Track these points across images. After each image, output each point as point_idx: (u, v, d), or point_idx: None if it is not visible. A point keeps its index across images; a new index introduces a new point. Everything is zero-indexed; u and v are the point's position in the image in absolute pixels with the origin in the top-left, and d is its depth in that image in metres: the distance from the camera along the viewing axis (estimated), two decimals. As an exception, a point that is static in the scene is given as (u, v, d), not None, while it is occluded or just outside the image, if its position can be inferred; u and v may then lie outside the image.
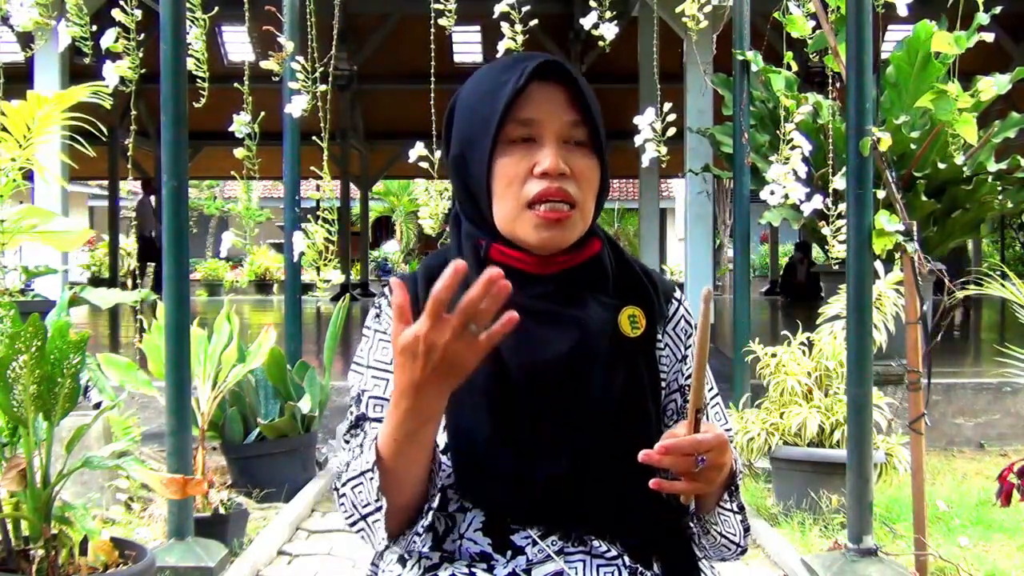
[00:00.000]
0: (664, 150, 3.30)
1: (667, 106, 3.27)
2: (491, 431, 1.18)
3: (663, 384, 1.28)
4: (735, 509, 1.25)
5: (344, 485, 1.15)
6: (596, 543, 1.21)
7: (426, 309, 0.96)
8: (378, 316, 1.28)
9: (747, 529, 1.28)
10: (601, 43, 3.20)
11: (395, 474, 1.11)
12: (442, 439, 1.19)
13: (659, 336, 1.28)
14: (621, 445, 1.18)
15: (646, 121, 3.26)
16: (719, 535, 1.26)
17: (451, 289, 0.95)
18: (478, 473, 1.19)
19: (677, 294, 1.32)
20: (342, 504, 1.17)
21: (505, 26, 2.93)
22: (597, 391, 1.19)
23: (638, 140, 3.30)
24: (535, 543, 1.20)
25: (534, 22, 2.92)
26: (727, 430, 1.33)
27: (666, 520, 1.24)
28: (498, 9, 2.92)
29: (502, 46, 2.94)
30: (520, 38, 2.92)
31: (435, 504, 1.15)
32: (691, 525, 1.27)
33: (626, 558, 1.21)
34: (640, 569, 1.21)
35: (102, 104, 2.79)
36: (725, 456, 1.11)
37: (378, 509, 1.12)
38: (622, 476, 1.19)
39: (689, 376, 1.30)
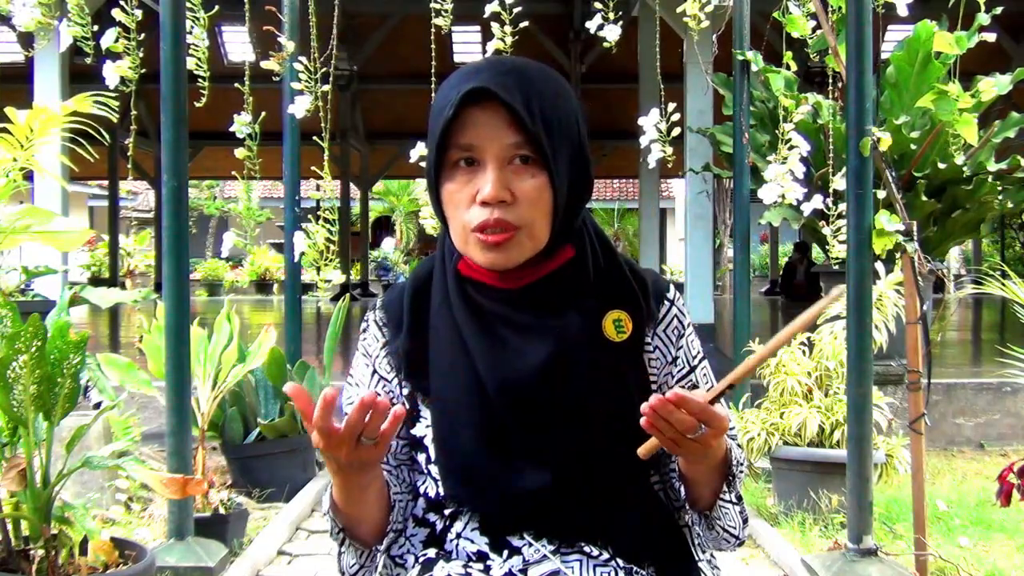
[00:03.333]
0: (669, 150, 3.30)
1: (671, 106, 3.27)
2: (475, 443, 1.19)
3: (653, 387, 1.28)
4: (733, 500, 1.25)
5: (327, 506, 1.27)
6: (588, 548, 1.22)
7: (315, 434, 1.06)
8: (364, 331, 1.31)
9: (745, 520, 1.28)
10: (606, 44, 3.20)
11: (349, 516, 1.23)
12: (432, 450, 1.23)
13: (648, 338, 1.27)
14: (608, 451, 1.18)
15: (651, 122, 3.25)
16: (721, 529, 1.26)
17: (324, 419, 1.05)
18: (465, 484, 1.20)
19: (670, 294, 1.31)
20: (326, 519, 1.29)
21: (495, 26, 2.93)
22: (578, 399, 1.19)
23: (643, 141, 3.30)
24: (531, 544, 1.21)
25: (524, 24, 2.91)
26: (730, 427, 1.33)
27: (658, 523, 1.24)
28: (489, 9, 2.91)
29: (491, 47, 2.94)
30: (510, 39, 2.92)
31: (395, 529, 1.27)
32: (686, 517, 1.27)
33: (619, 560, 1.21)
34: (635, 569, 1.22)
35: (107, 116, 2.79)
36: (719, 440, 1.11)
37: (342, 542, 1.27)
38: (610, 483, 1.19)
39: (680, 378, 1.29)
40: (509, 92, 1.13)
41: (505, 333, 1.20)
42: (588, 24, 3.23)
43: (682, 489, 1.26)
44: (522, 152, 1.16)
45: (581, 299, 1.23)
